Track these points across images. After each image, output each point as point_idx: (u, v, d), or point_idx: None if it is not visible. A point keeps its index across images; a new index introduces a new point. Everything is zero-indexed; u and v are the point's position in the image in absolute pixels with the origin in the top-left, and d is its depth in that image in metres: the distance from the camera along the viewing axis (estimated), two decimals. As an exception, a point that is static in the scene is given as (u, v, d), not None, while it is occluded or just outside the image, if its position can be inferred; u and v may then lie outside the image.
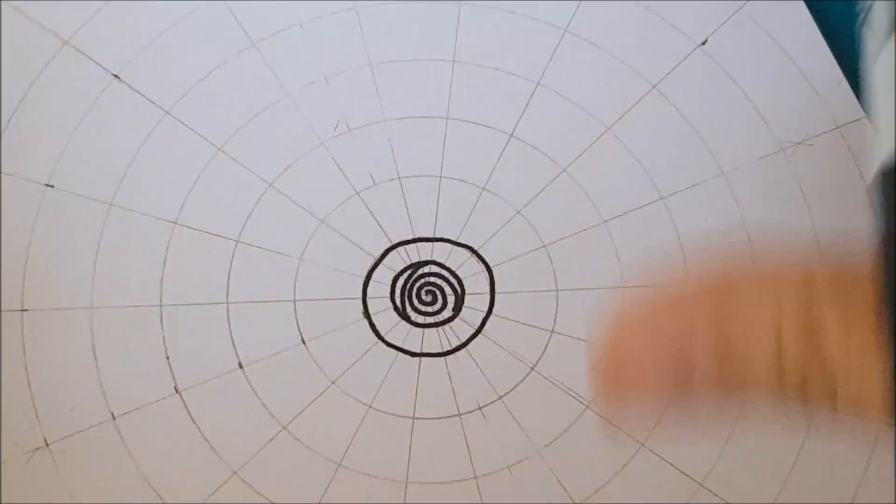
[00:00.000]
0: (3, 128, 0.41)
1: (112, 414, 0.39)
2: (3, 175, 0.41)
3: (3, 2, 0.42)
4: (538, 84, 0.43)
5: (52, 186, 0.40)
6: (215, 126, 0.41)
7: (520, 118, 0.42)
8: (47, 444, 0.38)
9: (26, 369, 0.39)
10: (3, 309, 0.39)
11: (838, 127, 0.40)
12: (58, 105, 0.41)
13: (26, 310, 0.39)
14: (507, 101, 0.43)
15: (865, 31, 0.34)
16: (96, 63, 0.42)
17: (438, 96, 0.42)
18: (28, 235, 0.40)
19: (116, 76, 0.42)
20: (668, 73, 0.43)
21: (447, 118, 0.42)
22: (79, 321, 0.39)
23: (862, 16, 0.35)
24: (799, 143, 0.42)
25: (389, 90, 0.42)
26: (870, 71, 0.34)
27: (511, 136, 0.42)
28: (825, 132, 0.41)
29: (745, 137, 0.42)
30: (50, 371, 0.39)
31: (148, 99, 0.42)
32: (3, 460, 0.38)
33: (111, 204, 0.40)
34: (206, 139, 0.41)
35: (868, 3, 0.35)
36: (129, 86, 0.42)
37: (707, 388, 0.32)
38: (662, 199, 0.42)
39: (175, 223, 0.40)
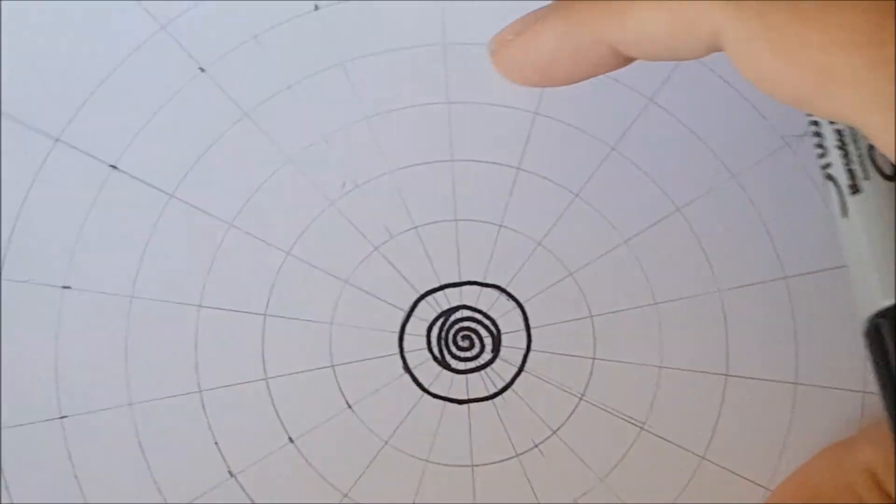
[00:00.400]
0: (9, 236, 0.40)
1: None
2: (17, 284, 0.40)
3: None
4: (536, 114, 0.42)
5: (69, 288, 0.39)
6: (223, 202, 0.41)
7: (524, 150, 0.42)
8: (112, 550, 0.37)
9: (76, 477, 0.38)
10: (41, 419, 0.38)
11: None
12: (60, 204, 0.40)
13: (65, 416, 0.38)
14: (509, 135, 0.42)
15: (828, 183, 0.35)
16: (91, 156, 0.41)
17: (440, 140, 0.42)
18: (53, 341, 0.39)
19: (114, 166, 0.41)
20: (663, 84, 0.43)
21: (452, 160, 0.42)
22: (120, 421, 0.38)
23: (823, 166, 0.35)
24: (802, 136, 0.42)
25: (390, 141, 0.42)
26: (838, 222, 0.34)
27: (518, 168, 0.42)
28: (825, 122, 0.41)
29: (748, 137, 0.42)
30: (100, 475, 0.38)
31: (149, 185, 0.41)
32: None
33: (132, 297, 0.40)
34: (216, 217, 0.41)
35: (828, 157, 0.35)
36: (128, 174, 0.41)
37: None
38: (678, 209, 0.41)
39: (200, 306, 0.40)
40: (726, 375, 0.40)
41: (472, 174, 0.42)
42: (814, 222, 0.41)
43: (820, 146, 0.36)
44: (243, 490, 0.38)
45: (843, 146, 0.35)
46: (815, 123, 0.36)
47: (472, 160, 0.42)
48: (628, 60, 0.37)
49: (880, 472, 0.34)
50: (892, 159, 0.32)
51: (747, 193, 0.42)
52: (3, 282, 0.40)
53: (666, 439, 0.39)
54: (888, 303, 0.32)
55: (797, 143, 0.42)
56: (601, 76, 0.40)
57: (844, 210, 0.34)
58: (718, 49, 0.34)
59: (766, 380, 0.40)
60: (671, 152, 0.42)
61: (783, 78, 0.32)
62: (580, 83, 0.39)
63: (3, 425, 0.38)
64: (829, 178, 0.35)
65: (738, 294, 0.41)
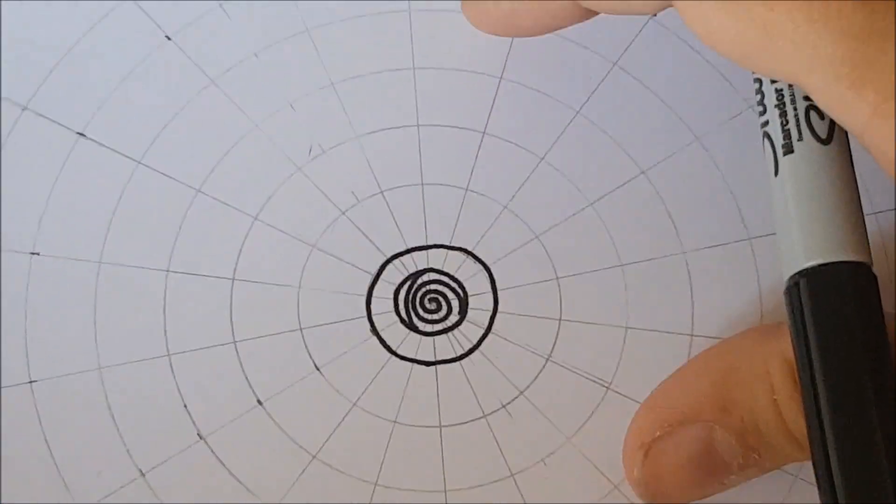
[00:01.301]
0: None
1: (140, 471, 0.38)
2: None
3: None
4: (500, 78, 0.43)
5: (37, 254, 0.40)
6: (190, 168, 0.41)
7: (489, 115, 0.42)
8: (80, 512, 0.37)
9: (46, 442, 0.38)
10: (9, 385, 0.38)
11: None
12: (28, 171, 0.41)
13: (34, 381, 0.38)
14: (474, 100, 0.43)
15: (765, 141, 0.35)
16: (59, 124, 0.41)
17: (406, 105, 0.42)
18: (22, 307, 0.39)
19: (82, 134, 0.41)
20: (626, 49, 0.43)
21: (418, 125, 0.42)
22: (89, 385, 0.39)
23: (762, 124, 0.36)
24: (765, 98, 0.42)
25: (356, 106, 0.42)
26: (770, 181, 0.35)
27: (484, 133, 0.42)
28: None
29: (711, 100, 0.43)
30: (70, 439, 0.38)
31: (117, 152, 0.41)
32: (40, 534, 0.37)
33: (100, 262, 0.40)
34: (183, 183, 0.41)
35: (766, 115, 0.36)
36: (96, 142, 0.41)
37: (745, 472, 0.35)
38: (643, 172, 0.42)
39: (167, 271, 0.40)
40: (692, 336, 0.40)
41: (437, 139, 0.42)
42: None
43: (760, 104, 0.36)
44: (213, 452, 0.38)
45: (781, 105, 0.35)
46: (758, 81, 0.37)
47: (438, 125, 0.42)
48: (589, 14, 0.38)
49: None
50: (831, 117, 0.32)
51: (711, 156, 0.42)
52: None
53: (632, 399, 0.39)
54: (809, 264, 0.33)
55: (760, 106, 0.42)
56: (567, 40, 0.40)
57: (776, 169, 0.34)
58: (670, 4, 0.34)
59: (732, 339, 0.40)
60: (635, 116, 0.43)
61: (727, 32, 0.32)
62: (544, 46, 0.40)
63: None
64: (766, 135, 0.35)
65: (703, 255, 0.41)
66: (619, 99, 0.43)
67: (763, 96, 0.36)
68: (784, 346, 0.35)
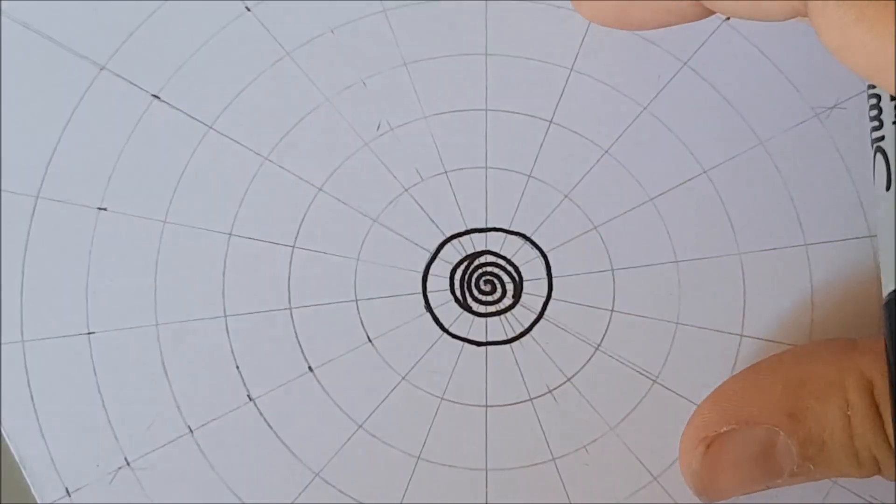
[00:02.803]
0: (50, 157, 0.41)
1: (189, 427, 0.39)
2: (54, 203, 0.41)
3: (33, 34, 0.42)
4: (571, 70, 0.43)
5: (104, 209, 0.41)
6: (260, 136, 0.42)
7: (557, 104, 0.43)
8: (128, 463, 0.38)
9: (99, 391, 0.39)
10: (69, 334, 0.39)
11: (866, 90, 0.40)
12: (102, 129, 0.42)
13: (92, 332, 0.39)
14: (543, 89, 0.43)
15: (877, 155, 0.35)
16: (135, 85, 0.42)
17: (475, 89, 0.43)
18: (86, 259, 0.40)
19: (156, 96, 0.42)
20: (697, 50, 0.43)
21: (486, 110, 0.43)
22: (146, 338, 0.39)
23: (876, 138, 0.36)
24: (832, 108, 0.42)
25: (427, 87, 0.43)
26: (878, 194, 0.35)
27: (551, 122, 0.43)
28: (855, 95, 0.42)
29: (778, 106, 0.43)
30: (123, 392, 0.39)
31: (189, 116, 0.42)
32: (87, 483, 0.38)
33: (164, 222, 0.41)
34: (252, 150, 0.42)
35: (882, 131, 0.36)
36: (169, 105, 0.42)
37: (794, 478, 0.34)
38: (705, 172, 0.42)
39: (230, 234, 0.41)
40: (741, 336, 0.40)
41: (504, 124, 0.43)
42: (837, 193, 0.42)
43: (876, 119, 0.36)
44: (261, 415, 0.39)
45: None
46: (876, 97, 0.37)
47: (506, 111, 0.43)
48: (706, 13, 0.38)
49: (876, 383, 0.34)
50: None
51: (773, 161, 0.42)
52: (40, 200, 0.41)
53: (678, 394, 0.40)
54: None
55: (826, 115, 0.42)
56: (639, 36, 0.41)
57: (889, 183, 0.35)
58: (802, 13, 0.34)
59: (781, 342, 0.40)
60: (701, 116, 0.43)
61: (863, 47, 0.32)
62: (616, 41, 0.41)
63: (30, 338, 0.39)
64: (880, 150, 0.35)
65: (758, 258, 0.41)
66: (686, 98, 0.43)
67: (880, 112, 0.36)
68: (862, 362, 0.35)
